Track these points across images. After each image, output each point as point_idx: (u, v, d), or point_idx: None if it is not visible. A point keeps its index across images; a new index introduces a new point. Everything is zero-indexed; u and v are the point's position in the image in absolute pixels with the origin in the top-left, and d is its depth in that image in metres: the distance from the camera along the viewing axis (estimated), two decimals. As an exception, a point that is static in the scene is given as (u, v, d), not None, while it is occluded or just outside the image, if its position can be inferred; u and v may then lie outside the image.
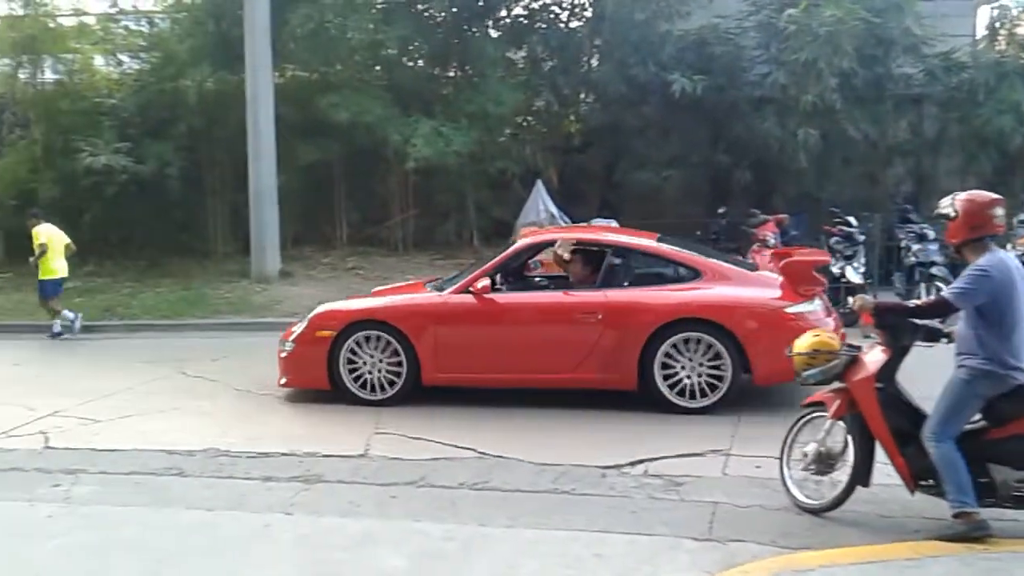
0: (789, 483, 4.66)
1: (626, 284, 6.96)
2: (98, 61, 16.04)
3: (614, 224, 12.31)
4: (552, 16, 15.31)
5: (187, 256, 15.02)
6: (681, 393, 6.58)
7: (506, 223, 14.41)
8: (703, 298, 6.70)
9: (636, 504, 4.81)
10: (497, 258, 7.42)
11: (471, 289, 7.00)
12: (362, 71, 15.25)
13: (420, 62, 15.66)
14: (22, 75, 15.68)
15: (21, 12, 15.24)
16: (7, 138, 15.97)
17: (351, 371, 7.08)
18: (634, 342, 6.57)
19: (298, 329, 7.41)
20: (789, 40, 12.46)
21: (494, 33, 15.39)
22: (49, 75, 15.77)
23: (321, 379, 7.17)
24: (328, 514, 4.80)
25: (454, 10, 14.70)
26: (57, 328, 11.12)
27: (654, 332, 6.53)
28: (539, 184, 13.70)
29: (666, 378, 6.57)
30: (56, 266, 11.34)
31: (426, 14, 15.05)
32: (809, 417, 4.67)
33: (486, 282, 7.01)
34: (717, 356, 6.49)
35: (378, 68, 15.38)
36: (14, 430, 6.63)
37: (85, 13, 15.56)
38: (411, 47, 14.96)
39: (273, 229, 13.85)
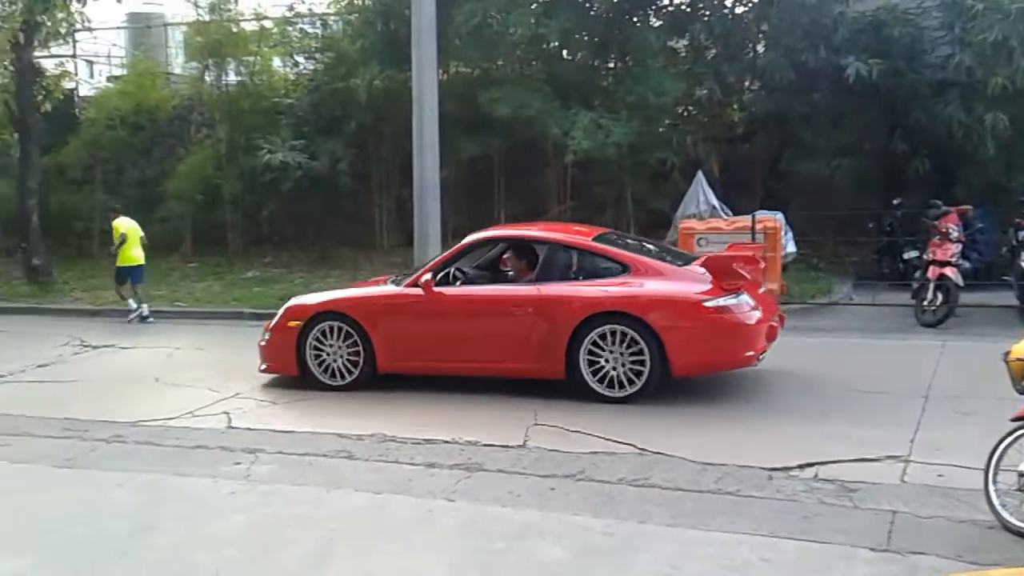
0: (995, 501, 4.22)
1: (558, 279, 7.23)
2: (276, 63, 17.00)
3: (780, 217, 11.88)
4: (716, 2, 14.87)
5: (355, 248, 15.68)
6: (603, 382, 6.82)
7: (664, 215, 14.17)
8: (624, 293, 6.90)
9: (806, 509, 4.59)
10: (443, 255, 7.92)
11: (419, 283, 7.42)
12: (523, 65, 15.37)
13: (580, 54, 15.61)
14: (208, 78, 16.82)
15: (208, 19, 16.33)
16: (194, 137, 17.17)
17: (316, 358, 7.63)
18: (562, 334, 6.86)
19: (274, 320, 8.02)
20: (976, 19, 11.55)
21: (655, 22, 15.13)
22: (232, 77, 16.82)
23: (291, 365, 7.75)
24: (489, 503, 4.86)
25: (615, 1, 14.55)
26: (146, 312, 12.05)
27: (579, 324, 6.81)
28: (700, 175, 13.37)
29: (593, 368, 6.82)
30: (134, 254, 12.24)
31: (587, 6, 14.97)
32: (1020, 433, 4.21)
33: (429, 276, 7.42)
34: (638, 348, 6.67)
35: (538, 62, 15.45)
36: (199, 410, 7.12)
37: (265, 17, 16.49)
38: (572, 39, 14.93)
39: (435, 222, 14.17)
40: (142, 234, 12.53)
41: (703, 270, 6.96)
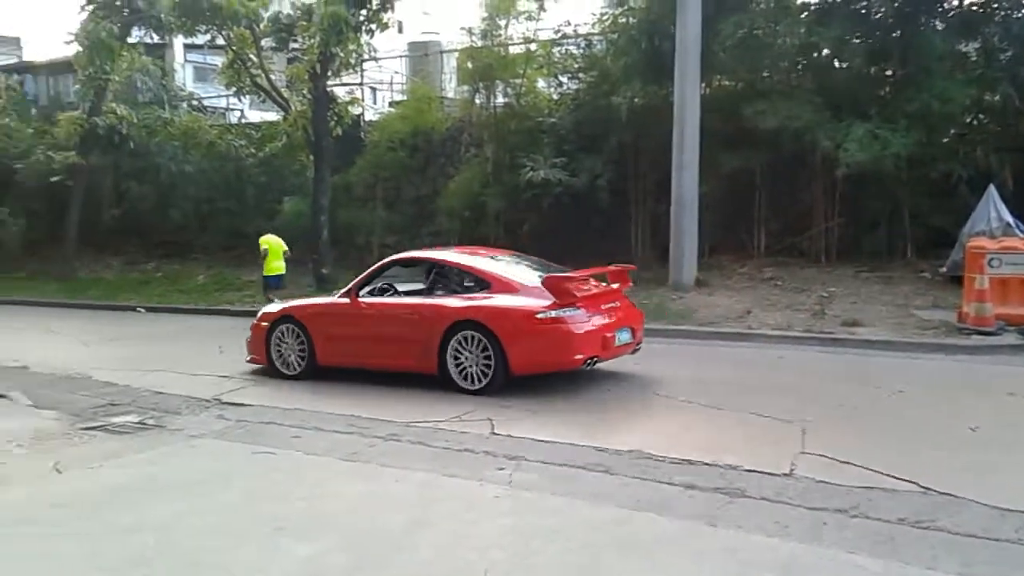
0: None
1: (440, 292, 8.89)
2: (540, 84, 17.59)
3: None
4: (1012, 2, 13.44)
5: (609, 262, 15.75)
6: (466, 378, 8.23)
7: (946, 233, 12.99)
8: (477, 305, 8.29)
9: None
10: (368, 271, 9.55)
11: (347, 294, 9.28)
12: (790, 76, 14.80)
13: (855, 62, 14.74)
14: (478, 100, 17.76)
15: (479, 44, 17.25)
16: (464, 157, 18.18)
17: (278, 353, 9.54)
18: (435, 337, 8.34)
19: (252, 321, 10.00)
20: None
21: (940, 25, 13.94)
22: (500, 99, 17.64)
23: (264, 358, 9.65)
24: (753, 531, 4.66)
25: (895, 4, 13.58)
26: None
27: (446, 330, 8.28)
28: (991, 189, 12.16)
29: (458, 366, 8.27)
30: (276, 265, 14.36)
31: (863, 11, 14.11)
32: None
33: (353, 288, 9.26)
34: (487, 351, 8.07)
35: (808, 71, 14.79)
36: (466, 415, 7.47)
37: (533, 41, 17.13)
38: (846, 47, 14.13)
39: (692, 238, 14.00)
40: (285, 248, 14.15)
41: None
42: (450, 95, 20.56)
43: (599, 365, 8.55)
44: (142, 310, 16.87)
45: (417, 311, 8.69)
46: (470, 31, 17.25)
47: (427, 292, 9.06)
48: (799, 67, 14.83)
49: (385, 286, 9.52)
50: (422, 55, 22.13)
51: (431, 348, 8.33)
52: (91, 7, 19.09)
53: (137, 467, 6.38)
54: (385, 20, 16.74)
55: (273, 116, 20.60)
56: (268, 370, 9.61)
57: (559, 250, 16.69)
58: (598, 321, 8.20)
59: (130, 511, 5.35)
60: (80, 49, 18.91)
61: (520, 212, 16.40)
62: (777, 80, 14.65)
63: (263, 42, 17.61)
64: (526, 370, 8.09)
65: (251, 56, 17.33)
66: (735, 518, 4.87)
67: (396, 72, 22.67)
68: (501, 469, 5.90)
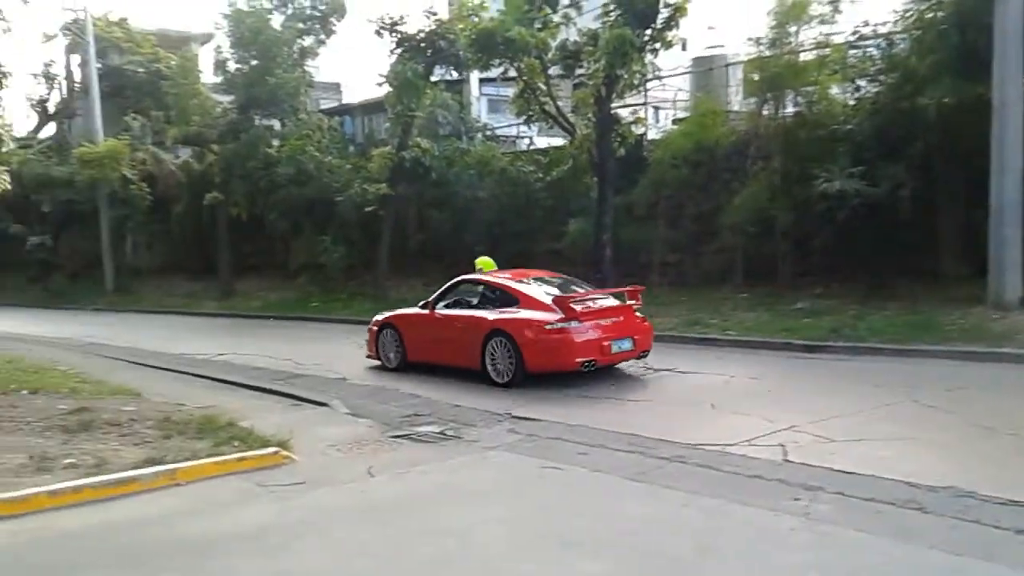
0: None
1: (486, 307, 11.07)
2: (834, 90, 16.57)
3: None
4: None
5: (913, 278, 14.46)
6: (499, 375, 10.40)
7: None
8: (504, 317, 10.53)
9: None
10: (442, 288, 11.96)
11: (427, 306, 11.79)
12: None
13: None
14: (765, 111, 17.09)
15: (768, 54, 16.62)
16: (749, 170, 17.58)
17: (383, 350, 12.30)
18: (477, 341, 10.59)
19: (369, 324, 12.87)
20: None
21: None
22: (789, 108, 16.86)
23: (374, 355, 12.48)
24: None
25: None
26: None
27: (484, 336, 10.53)
28: None
29: (492, 364, 10.46)
30: None
31: None
32: None
33: (432, 301, 11.78)
34: (510, 352, 10.24)
35: None
36: (755, 439, 7.16)
37: (826, 45, 16.20)
38: None
39: (1016, 249, 12.44)
40: (494, 267, 14.61)
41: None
42: (735, 108, 20.01)
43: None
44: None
45: (467, 321, 11.02)
46: (757, 41, 16.67)
47: (477, 306, 11.26)
48: None
49: (459, 299, 11.73)
50: (707, 70, 21.74)
51: (476, 350, 10.54)
52: (399, 50, 20.97)
53: (438, 475, 6.82)
54: (670, 39, 16.64)
55: (559, 141, 21.26)
56: (552, 388, 9.93)
57: (854, 265, 15.60)
58: (597, 332, 10.19)
59: (432, 515, 5.73)
60: (390, 89, 20.81)
61: (810, 226, 15.50)
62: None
63: (551, 70, 18.26)
64: (538, 369, 10.17)
65: (540, 85, 18.02)
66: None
67: (680, 89, 22.50)
68: (796, 499, 5.57)
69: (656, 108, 24.47)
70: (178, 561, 5.10)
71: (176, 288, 30.41)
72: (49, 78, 41.51)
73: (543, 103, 18.20)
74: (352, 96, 35.80)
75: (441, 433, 8.29)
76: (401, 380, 11.15)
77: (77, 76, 37.08)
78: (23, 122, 42.81)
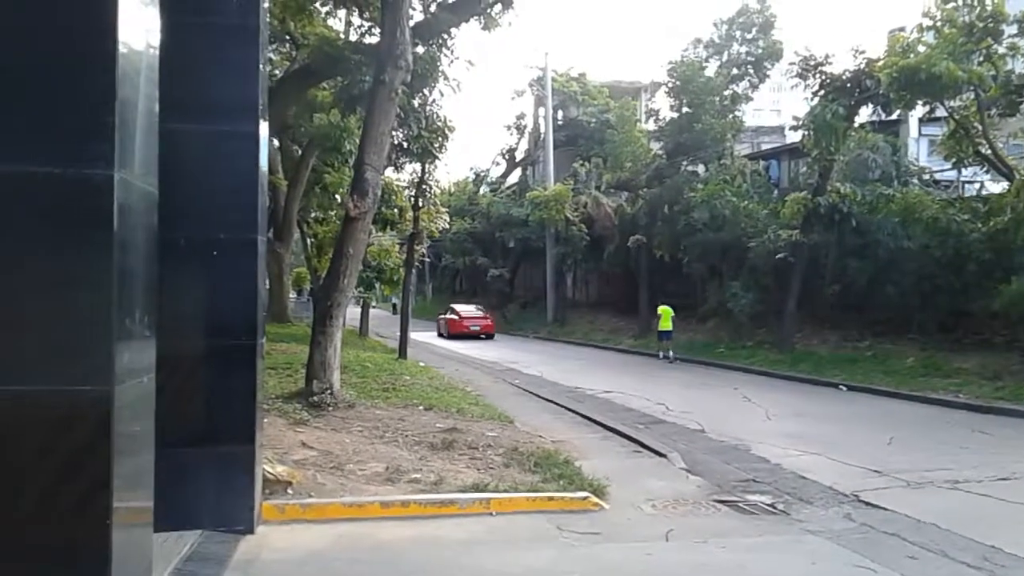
0: None
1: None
2: None
3: None
4: None
5: None
6: None
7: None
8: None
9: None
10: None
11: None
12: None
13: None
14: None
15: None
16: None
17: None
18: None
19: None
20: None
21: None
22: None
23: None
24: None
25: None
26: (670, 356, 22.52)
27: None
28: None
29: None
30: (665, 324, 23.19)
31: None
32: None
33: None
34: None
35: None
36: None
37: None
38: None
39: None
40: (672, 315, 22.04)
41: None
42: None
43: None
44: (844, 388, 16.78)
45: None
46: None
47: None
48: None
49: None
50: None
51: None
52: (821, 92, 20.05)
53: (736, 552, 6.44)
54: None
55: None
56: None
57: None
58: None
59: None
60: (806, 133, 19.96)
61: None
62: None
63: (992, 108, 16.01)
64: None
65: (974, 124, 15.91)
66: None
67: None
68: None
69: None
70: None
71: (603, 323, 32.52)
72: (519, 129, 47.41)
73: (977, 144, 16.03)
74: (792, 138, 34.99)
75: (770, 506, 7.80)
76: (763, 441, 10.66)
77: (541, 128, 41.64)
78: (494, 168, 49.63)
